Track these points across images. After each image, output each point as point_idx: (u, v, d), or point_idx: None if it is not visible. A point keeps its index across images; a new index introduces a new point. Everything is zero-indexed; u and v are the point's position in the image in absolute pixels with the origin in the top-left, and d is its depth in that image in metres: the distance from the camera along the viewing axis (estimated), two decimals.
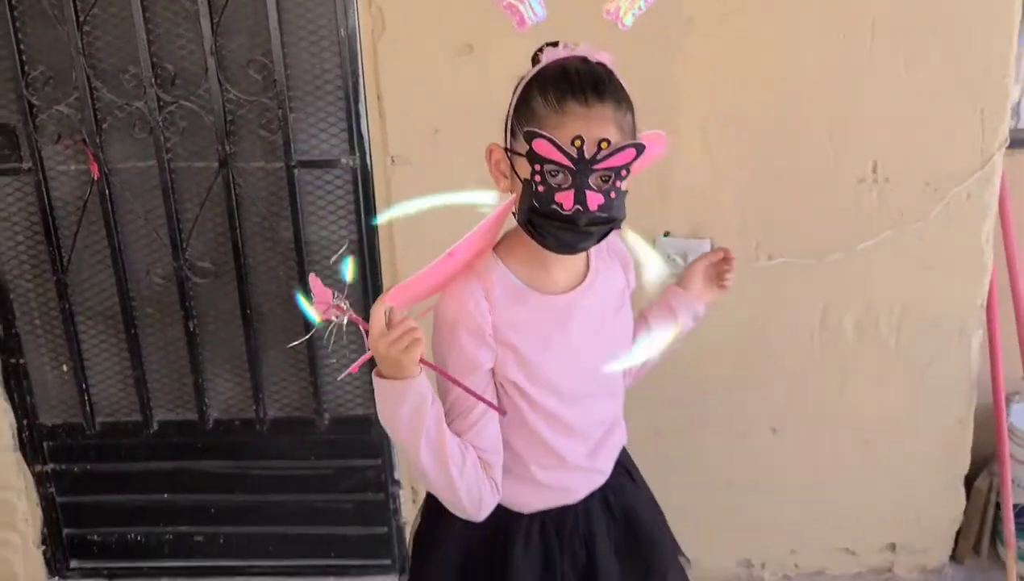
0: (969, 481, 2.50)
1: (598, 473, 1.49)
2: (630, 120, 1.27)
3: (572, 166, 1.20)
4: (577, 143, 1.19)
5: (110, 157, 2.28)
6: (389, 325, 1.21)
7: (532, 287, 1.35)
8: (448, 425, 1.30)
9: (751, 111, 2.13)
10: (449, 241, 1.36)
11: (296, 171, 2.25)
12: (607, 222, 1.26)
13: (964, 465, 2.43)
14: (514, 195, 1.30)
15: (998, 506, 2.48)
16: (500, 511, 1.39)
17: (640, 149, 1.23)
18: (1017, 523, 2.41)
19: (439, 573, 1.49)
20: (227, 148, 2.23)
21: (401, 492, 2.54)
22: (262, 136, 2.24)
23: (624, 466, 1.60)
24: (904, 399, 2.36)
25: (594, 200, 1.22)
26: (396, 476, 2.53)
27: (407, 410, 1.24)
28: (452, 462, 1.28)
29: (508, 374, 1.34)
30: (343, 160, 2.25)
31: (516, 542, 1.44)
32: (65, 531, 2.63)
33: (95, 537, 2.63)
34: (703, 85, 2.11)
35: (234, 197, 2.28)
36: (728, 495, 2.47)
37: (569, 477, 1.45)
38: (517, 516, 1.43)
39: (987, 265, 2.24)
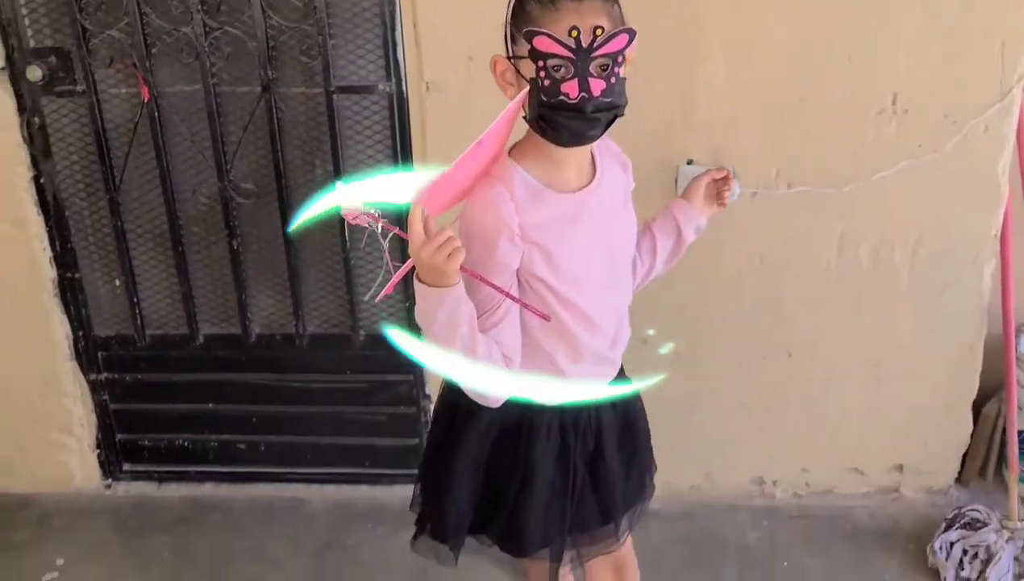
0: (978, 408, 2.59)
1: (612, 364, 1.62)
2: (618, 11, 1.36)
3: (572, 56, 1.29)
4: (574, 33, 1.28)
5: (159, 81, 2.39)
6: (427, 234, 1.28)
7: (549, 186, 1.45)
8: None
9: (774, 41, 2.19)
10: None
11: (335, 96, 2.36)
12: (611, 108, 1.35)
13: (972, 391, 2.52)
14: (526, 89, 1.36)
15: (1005, 431, 2.57)
16: (525, 407, 1.51)
17: (632, 34, 1.32)
18: (1021, 448, 2.50)
19: (462, 472, 1.61)
20: (269, 73, 2.34)
21: (431, 406, 2.67)
22: (303, 62, 2.34)
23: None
24: (916, 326, 2.44)
25: (597, 86, 1.31)
26: (427, 391, 2.66)
27: (444, 314, 1.34)
28: (480, 356, 1.40)
29: (535, 271, 1.45)
30: (380, 86, 2.35)
31: (537, 437, 1.57)
32: (118, 436, 2.80)
33: (146, 442, 2.81)
34: (727, 13, 2.16)
35: (276, 121, 2.39)
36: (743, 416, 2.58)
37: (591, 369, 1.57)
38: (539, 411, 1.55)
39: (1003, 196, 2.30)
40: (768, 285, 2.43)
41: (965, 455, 2.63)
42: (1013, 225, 2.34)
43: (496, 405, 1.47)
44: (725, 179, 1.78)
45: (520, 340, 1.48)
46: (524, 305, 1.42)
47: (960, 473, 2.65)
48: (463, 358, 1.38)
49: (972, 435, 2.59)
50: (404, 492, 2.68)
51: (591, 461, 1.60)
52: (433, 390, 2.65)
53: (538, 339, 1.51)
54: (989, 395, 2.61)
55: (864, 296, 2.43)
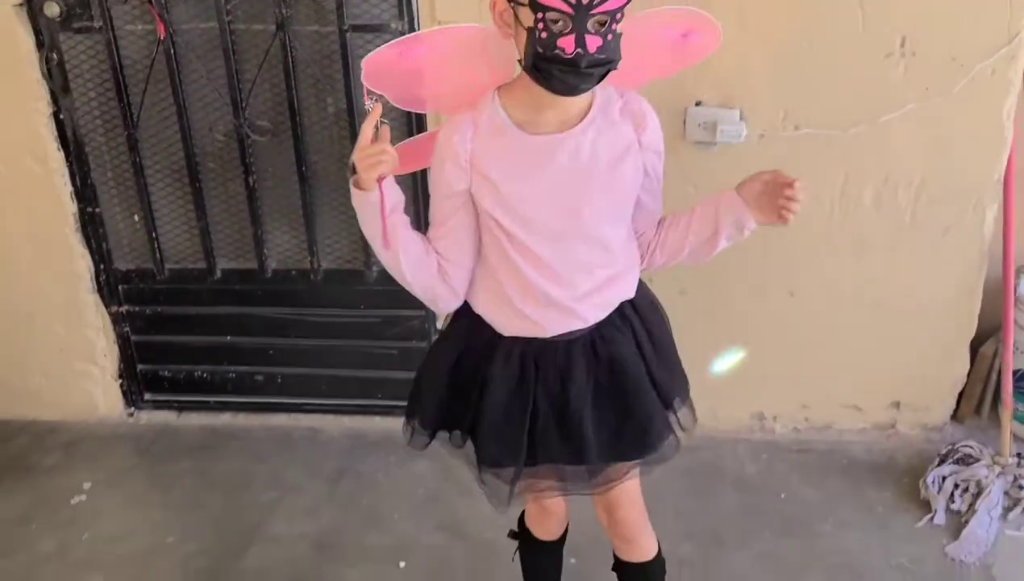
0: (975, 347, 2.66)
1: (578, 319, 1.58)
2: None
3: (571, 12, 1.30)
4: None
5: (174, 18, 2.42)
6: (364, 140, 1.41)
7: (518, 125, 1.49)
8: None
9: None
10: None
11: (348, 35, 2.39)
12: (605, 64, 1.36)
13: (970, 330, 2.58)
14: (492, 23, 1.43)
15: (1001, 371, 2.63)
16: (488, 329, 1.61)
17: None
18: (1016, 387, 2.57)
19: (436, 366, 1.70)
20: (284, 11, 2.36)
21: None
22: (316, 0, 2.37)
23: (629, 323, 1.67)
24: (917, 267, 2.49)
25: (593, 43, 1.32)
26: (438, 326, 2.74)
27: (367, 216, 1.48)
28: (405, 263, 1.52)
29: (485, 205, 1.51)
30: (392, 24, 2.38)
31: (496, 358, 1.61)
32: (139, 367, 2.90)
33: (166, 373, 2.91)
34: None
35: (290, 59, 2.42)
36: (745, 352, 2.65)
37: (544, 313, 1.57)
38: (499, 336, 1.62)
39: (1007, 140, 2.33)
40: (772, 227, 2.47)
41: (961, 393, 2.70)
42: (1016, 170, 2.37)
43: (440, 313, 1.55)
44: (790, 188, 1.53)
45: (462, 256, 1.58)
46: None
47: (956, 411, 2.73)
48: (387, 260, 1.53)
49: (969, 374, 2.66)
50: None
51: (556, 403, 1.60)
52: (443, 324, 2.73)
53: (494, 269, 1.58)
54: (987, 335, 2.67)
55: (866, 237, 2.47)
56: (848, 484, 2.57)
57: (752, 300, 2.59)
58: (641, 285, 1.71)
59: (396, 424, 2.87)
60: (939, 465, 2.49)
